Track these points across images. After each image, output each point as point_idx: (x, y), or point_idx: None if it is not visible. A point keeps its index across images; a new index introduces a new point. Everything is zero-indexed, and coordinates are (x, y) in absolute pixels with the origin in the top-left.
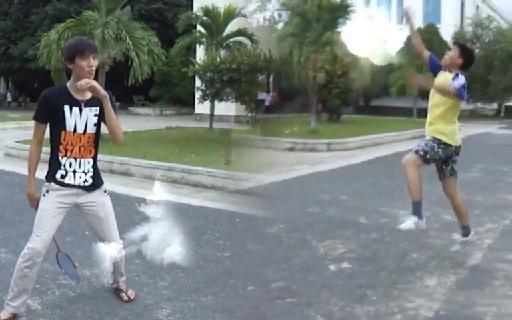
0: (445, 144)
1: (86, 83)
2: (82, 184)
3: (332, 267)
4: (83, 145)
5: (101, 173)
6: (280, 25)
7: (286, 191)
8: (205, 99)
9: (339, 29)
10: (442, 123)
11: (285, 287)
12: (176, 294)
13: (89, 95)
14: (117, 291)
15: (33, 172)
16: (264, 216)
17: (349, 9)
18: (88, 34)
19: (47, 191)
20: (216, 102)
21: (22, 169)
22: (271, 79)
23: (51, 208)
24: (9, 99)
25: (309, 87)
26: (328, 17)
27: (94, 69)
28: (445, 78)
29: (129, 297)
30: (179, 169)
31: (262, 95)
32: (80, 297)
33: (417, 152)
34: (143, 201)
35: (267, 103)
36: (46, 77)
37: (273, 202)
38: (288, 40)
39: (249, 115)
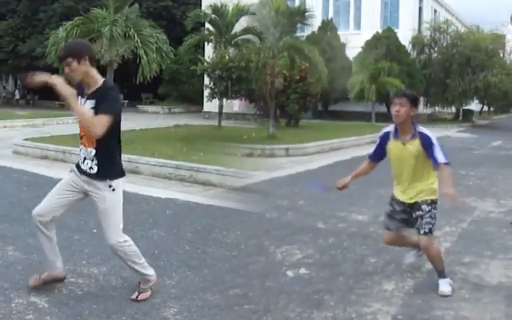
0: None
1: (38, 79)
2: (88, 171)
3: (289, 273)
4: (85, 135)
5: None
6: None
7: (244, 197)
8: (214, 97)
9: (298, 33)
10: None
11: (243, 294)
12: (183, 292)
13: (91, 89)
14: None
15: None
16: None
17: (306, 13)
18: (96, 32)
19: (71, 171)
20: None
21: (30, 166)
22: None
23: (66, 182)
24: (17, 96)
25: (266, 92)
26: (285, 22)
27: (71, 72)
28: (403, 149)
29: (136, 297)
30: (187, 167)
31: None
32: (87, 295)
33: (431, 231)
34: (152, 199)
35: (236, 108)
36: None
37: (232, 208)
38: (246, 45)
39: (257, 112)
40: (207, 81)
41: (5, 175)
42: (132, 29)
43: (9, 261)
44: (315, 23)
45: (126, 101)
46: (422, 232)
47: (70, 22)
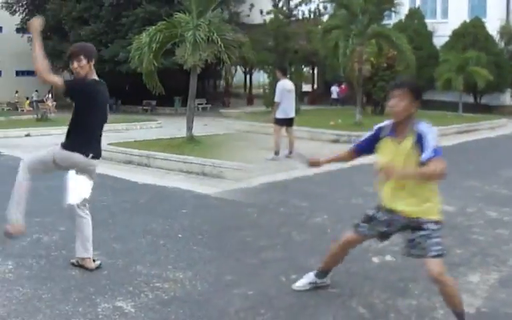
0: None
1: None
2: None
3: (375, 260)
4: None
5: (193, 175)
6: (325, 17)
7: (330, 182)
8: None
9: (384, 22)
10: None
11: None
12: (262, 275)
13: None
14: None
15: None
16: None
17: (394, 1)
18: (179, 36)
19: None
20: None
21: (114, 171)
22: (315, 71)
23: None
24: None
25: (354, 79)
26: (373, 9)
27: (77, 69)
28: (397, 149)
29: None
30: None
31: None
32: (173, 299)
33: (442, 255)
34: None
35: (334, 96)
36: (137, 79)
37: (318, 193)
38: (333, 32)
39: None
40: None
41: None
42: (215, 34)
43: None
44: (403, 11)
45: (209, 106)
46: (431, 255)
47: (153, 27)
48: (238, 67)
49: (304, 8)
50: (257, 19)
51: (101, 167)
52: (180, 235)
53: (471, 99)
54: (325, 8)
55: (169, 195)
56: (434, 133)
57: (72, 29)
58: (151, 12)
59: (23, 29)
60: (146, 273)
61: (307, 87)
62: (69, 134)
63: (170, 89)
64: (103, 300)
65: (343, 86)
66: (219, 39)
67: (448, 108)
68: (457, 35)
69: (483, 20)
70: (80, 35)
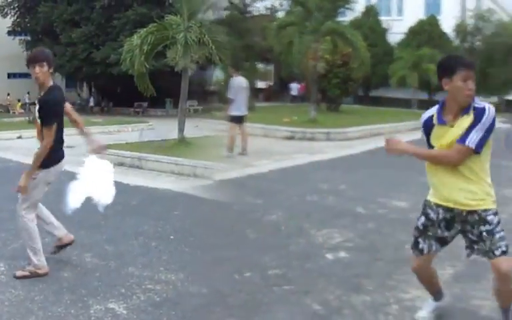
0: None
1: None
2: None
3: (329, 256)
4: (38, 129)
5: (186, 177)
6: (281, 14)
7: (284, 179)
8: None
9: (340, 19)
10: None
11: (282, 275)
12: (221, 271)
13: (42, 94)
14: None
15: None
16: (262, 203)
17: None
18: (170, 38)
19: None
20: None
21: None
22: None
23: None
24: (92, 103)
25: (308, 76)
26: (329, 6)
27: (38, 75)
28: (450, 133)
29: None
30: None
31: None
32: (165, 301)
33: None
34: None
35: (294, 93)
36: (128, 81)
37: (273, 190)
38: (288, 29)
39: None
40: None
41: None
42: (206, 36)
43: (87, 267)
44: (358, 8)
45: (200, 107)
46: (498, 252)
47: (144, 29)
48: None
49: (259, 4)
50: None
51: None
52: (172, 237)
53: (425, 96)
54: (281, 4)
55: (160, 196)
56: (491, 117)
57: (63, 31)
58: (142, 14)
59: (14, 31)
60: (138, 275)
61: (261, 84)
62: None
63: (161, 90)
64: (95, 302)
65: (303, 83)
66: (210, 41)
67: (402, 105)
68: (412, 32)
69: (438, 18)
70: (71, 37)
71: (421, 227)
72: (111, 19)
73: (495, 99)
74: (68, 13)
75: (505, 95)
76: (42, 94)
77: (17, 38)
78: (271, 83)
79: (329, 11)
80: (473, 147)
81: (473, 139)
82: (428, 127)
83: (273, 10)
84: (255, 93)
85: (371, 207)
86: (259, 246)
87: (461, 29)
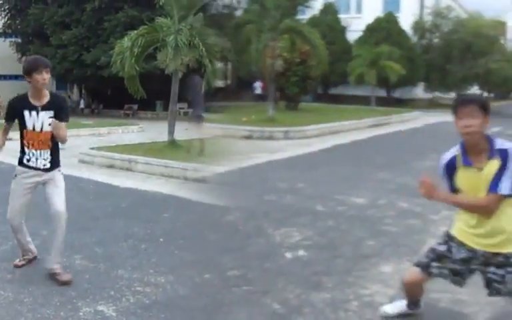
0: None
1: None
2: (42, 167)
3: (288, 255)
4: (40, 140)
5: (175, 180)
6: (239, 12)
7: (243, 179)
8: None
9: (298, 16)
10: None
11: (241, 275)
12: (178, 273)
13: (45, 100)
14: (53, 276)
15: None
16: (220, 204)
17: None
18: (161, 41)
19: (15, 175)
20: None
21: (96, 175)
22: (229, 67)
23: (19, 187)
24: (82, 105)
25: (267, 74)
26: (286, 4)
27: (46, 81)
28: (479, 178)
29: (66, 281)
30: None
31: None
32: (155, 304)
33: None
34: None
35: (258, 91)
36: (119, 83)
37: (230, 190)
38: (246, 27)
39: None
40: None
41: (71, 184)
42: (197, 38)
43: (76, 269)
44: (316, 6)
45: (190, 110)
46: None
47: (135, 31)
48: None
49: (219, 2)
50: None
51: (84, 171)
52: (161, 239)
53: (383, 93)
54: (239, 2)
55: (150, 199)
56: None
57: (54, 33)
58: (133, 16)
59: (4, 33)
60: (127, 277)
61: (220, 83)
62: (57, 155)
63: (151, 93)
64: (85, 304)
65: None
66: (200, 43)
67: (361, 102)
68: (371, 29)
69: (397, 15)
70: (62, 40)
71: (440, 254)
72: (101, 21)
73: (452, 94)
74: (58, 15)
75: (463, 91)
76: (46, 100)
77: (8, 40)
78: (229, 82)
79: (287, 9)
80: (506, 193)
81: (506, 187)
82: (451, 169)
83: (231, 8)
84: (214, 92)
85: (329, 205)
86: (218, 248)
87: (419, 26)
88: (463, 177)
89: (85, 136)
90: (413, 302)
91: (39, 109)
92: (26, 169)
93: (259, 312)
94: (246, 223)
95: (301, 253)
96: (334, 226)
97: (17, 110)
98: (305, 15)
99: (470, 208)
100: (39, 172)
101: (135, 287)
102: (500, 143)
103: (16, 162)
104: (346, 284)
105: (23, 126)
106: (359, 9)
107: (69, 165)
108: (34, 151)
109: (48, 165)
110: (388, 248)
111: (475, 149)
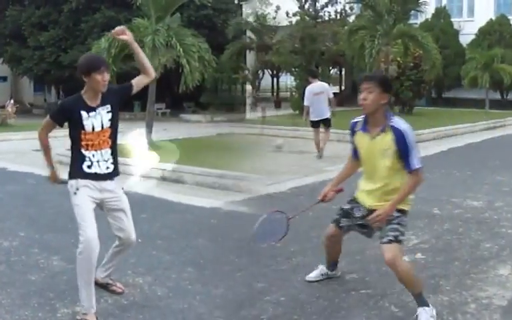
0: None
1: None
2: (105, 171)
3: (406, 258)
4: (101, 139)
5: (154, 180)
6: (351, 18)
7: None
8: (257, 105)
9: (410, 21)
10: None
11: (360, 279)
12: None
13: (100, 99)
14: (108, 286)
15: (50, 154)
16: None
17: (420, 1)
18: (138, 42)
19: (77, 189)
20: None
21: None
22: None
23: (86, 200)
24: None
25: None
26: (399, 9)
27: (107, 82)
28: (370, 144)
29: (121, 288)
30: (231, 176)
31: None
32: (132, 305)
33: (397, 239)
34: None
35: None
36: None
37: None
38: (359, 33)
39: None
40: (249, 88)
41: (49, 184)
42: (174, 38)
43: (54, 270)
44: (429, 10)
45: (168, 110)
46: (385, 240)
47: (112, 32)
48: (265, 71)
49: (330, 9)
50: (282, 21)
51: (61, 172)
52: (139, 240)
53: (497, 96)
54: (351, 9)
55: (128, 200)
56: (413, 134)
57: (31, 34)
58: (110, 17)
59: None
60: None
61: (334, 89)
62: (117, 156)
63: None
64: (63, 305)
65: None
66: (178, 44)
67: (475, 105)
68: (483, 32)
69: (509, 17)
70: (39, 41)
71: (345, 211)
72: (78, 22)
73: None
74: (36, 16)
75: None
76: (100, 97)
77: None
78: (343, 87)
79: (399, 14)
80: (419, 166)
81: (417, 162)
82: (352, 131)
83: (344, 14)
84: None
85: (446, 208)
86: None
87: None
88: (360, 141)
89: (61, 137)
90: (333, 262)
91: (97, 109)
92: (88, 181)
93: (377, 315)
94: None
95: (419, 255)
96: (451, 229)
97: (72, 111)
98: (417, 20)
99: (412, 190)
100: (102, 183)
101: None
102: (395, 121)
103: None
104: (463, 286)
105: (78, 127)
106: (471, 13)
107: (46, 165)
108: (94, 153)
109: (111, 168)
110: (505, 250)
111: (372, 120)
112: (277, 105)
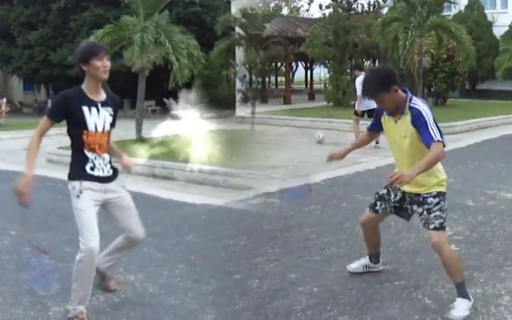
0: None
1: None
2: (107, 175)
3: None
4: (101, 142)
5: (143, 177)
6: (384, 10)
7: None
8: (246, 101)
9: (444, 13)
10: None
11: (393, 270)
12: (221, 296)
13: (103, 96)
14: (105, 278)
15: (33, 158)
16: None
17: None
18: (127, 39)
19: (80, 192)
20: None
21: (64, 175)
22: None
23: (90, 205)
24: (49, 105)
25: (414, 71)
26: (432, 1)
27: (108, 68)
28: (395, 128)
29: (114, 286)
30: (222, 172)
31: None
32: (124, 302)
33: (442, 226)
34: (186, 205)
35: None
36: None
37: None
38: (393, 25)
39: None
40: (238, 85)
41: (40, 183)
42: (163, 35)
43: (45, 269)
44: (462, 2)
45: (158, 108)
46: (431, 227)
47: (101, 30)
48: (299, 63)
49: (363, 1)
50: (315, 13)
51: (52, 171)
52: None
53: None
54: (384, 1)
55: None
56: (430, 112)
57: (20, 33)
58: (99, 15)
59: None
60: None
61: None
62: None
63: (118, 91)
64: (54, 303)
65: None
66: (166, 41)
67: (509, 97)
68: None
69: None
70: (28, 40)
71: (381, 195)
72: (67, 21)
73: None
74: (24, 15)
75: None
76: (103, 95)
77: None
78: None
79: (433, 6)
80: (439, 139)
81: (436, 134)
82: (380, 112)
83: (377, 6)
84: None
85: (479, 200)
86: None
87: None
88: (385, 123)
89: (53, 135)
90: (374, 254)
91: (99, 105)
92: (91, 183)
93: (411, 306)
94: (396, 218)
95: (452, 247)
96: (484, 221)
97: (73, 106)
98: (450, 12)
99: (434, 162)
100: (105, 185)
101: None
102: (413, 101)
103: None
104: (497, 279)
105: (80, 126)
106: (504, 4)
107: (37, 164)
108: (97, 156)
109: (110, 172)
110: None
111: (397, 108)
112: (311, 97)
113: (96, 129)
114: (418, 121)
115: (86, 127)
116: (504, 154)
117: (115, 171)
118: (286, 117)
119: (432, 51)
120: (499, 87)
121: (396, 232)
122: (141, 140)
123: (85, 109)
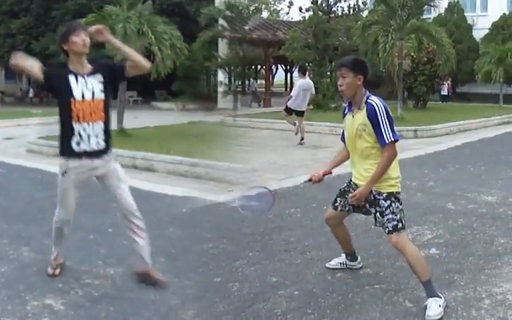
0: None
1: (94, 29)
2: (96, 148)
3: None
4: (93, 110)
5: (124, 169)
6: (365, 13)
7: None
8: (228, 93)
9: (424, 16)
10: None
11: (374, 274)
12: (202, 293)
13: (89, 68)
14: (149, 273)
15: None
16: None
17: None
18: (110, 29)
19: (65, 172)
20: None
21: (45, 165)
22: None
23: (71, 187)
24: (31, 94)
25: (394, 74)
26: (412, 4)
27: (87, 42)
28: (352, 122)
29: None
30: (203, 164)
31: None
32: (104, 296)
33: (397, 228)
34: (167, 197)
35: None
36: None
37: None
38: (373, 28)
39: None
40: (221, 77)
41: (19, 173)
42: (146, 26)
43: (24, 262)
44: (442, 5)
45: (140, 98)
46: (387, 231)
47: (83, 19)
48: (279, 66)
49: (343, 4)
50: (295, 16)
51: (32, 161)
52: (110, 230)
53: (511, 91)
54: (364, 4)
55: (98, 189)
56: (386, 109)
57: (2, 22)
58: (82, 4)
59: None
60: (76, 269)
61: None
62: (110, 130)
63: None
64: (32, 297)
65: (449, 82)
66: (149, 31)
67: (489, 100)
68: (497, 27)
69: None
70: (10, 28)
71: (341, 191)
72: (50, 10)
73: None
74: (7, 4)
75: None
76: (89, 68)
77: None
78: None
79: (413, 9)
80: (395, 139)
81: (390, 134)
82: (344, 115)
83: (357, 9)
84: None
85: (460, 203)
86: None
87: None
88: (345, 122)
89: (33, 125)
90: (349, 253)
91: (85, 75)
92: (78, 161)
93: (392, 310)
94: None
95: (433, 251)
96: (465, 224)
97: (58, 76)
98: (430, 15)
99: (386, 167)
100: (94, 161)
101: (84, 279)
102: (370, 98)
103: None
104: (478, 282)
105: (67, 95)
106: (484, 7)
107: (17, 154)
108: (85, 126)
109: (102, 145)
110: None
111: (354, 102)
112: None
113: (83, 97)
114: (372, 117)
115: (72, 95)
116: (484, 157)
117: (108, 146)
118: (265, 120)
119: (412, 53)
120: (479, 90)
121: (377, 235)
122: (122, 131)
123: (71, 78)
